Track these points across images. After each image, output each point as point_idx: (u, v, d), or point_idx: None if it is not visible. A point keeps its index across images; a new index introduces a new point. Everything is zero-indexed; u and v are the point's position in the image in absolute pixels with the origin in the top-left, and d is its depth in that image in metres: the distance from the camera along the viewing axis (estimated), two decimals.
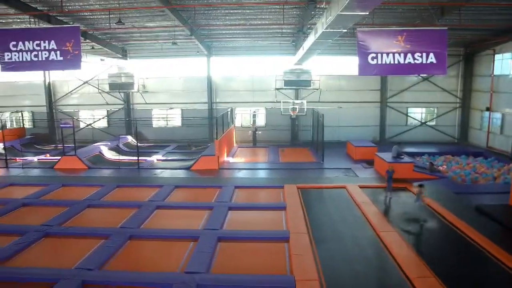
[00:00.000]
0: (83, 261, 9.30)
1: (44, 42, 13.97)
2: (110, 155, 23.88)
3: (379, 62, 13.05)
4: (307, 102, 26.77)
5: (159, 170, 19.81)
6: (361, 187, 15.66)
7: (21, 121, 30.19)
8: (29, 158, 23.62)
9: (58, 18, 19.18)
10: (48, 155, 24.49)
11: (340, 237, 10.93)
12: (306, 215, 12.53)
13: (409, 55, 12.97)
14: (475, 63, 26.26)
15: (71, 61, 14.12)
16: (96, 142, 25.53)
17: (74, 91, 29.70)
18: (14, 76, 28.04)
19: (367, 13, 10.78)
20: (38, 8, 17.76)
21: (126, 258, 9.77)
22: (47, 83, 29.37)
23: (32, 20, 18.36)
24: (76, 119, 28.08)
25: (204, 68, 28.42)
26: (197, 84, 28.75)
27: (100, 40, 24.48)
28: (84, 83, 29.26)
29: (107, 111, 29.79)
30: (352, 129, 27.64)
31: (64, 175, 18.98)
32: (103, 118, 29.92)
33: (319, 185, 16.41)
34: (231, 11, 19.14)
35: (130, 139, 28.01)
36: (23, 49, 14.02)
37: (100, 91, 28.68)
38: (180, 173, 19.17)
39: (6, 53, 14.20)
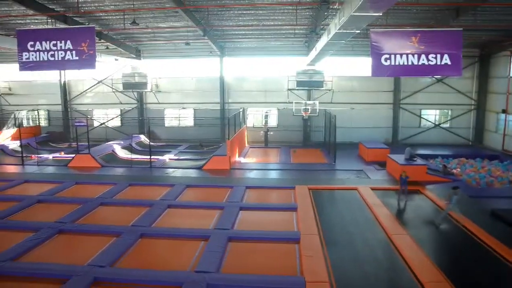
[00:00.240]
0: (95, 258, 9.43)
1: (61, 42, 14.21)
2: (123, 153, 24.14)
3: (393, 63, 12.94)
4: (319, 103, 26.67)
5: (171, 169, 19.94)
6: (372, 189, 15.54)
7: (37, 119, 30.75)
8: (44, 155, 24.01)
9: (74, 18, 19.47)
10: (62, 153, 24.86)
11: (351, 239, 10.87)
12: (317, 216, 12.49)
13: (423, 56, 12.83)
14: (491, 64, 25.82)
15: (86, 60, 14.33)
16: (110, 141, 25.83)
17: (88, 90, 30.14)
18: (31, 75, 28.59)
19: (381, 14, 10.69)
20: (55, 9, 18.05)
21: (137, 256, 9.87)
22: (62, 83, 29.89)
23: (49, 20, 18.67)
24: (90, 118, 28.42)
25: (217, 68, 28.53)
26: (209, 84, 28.90)
27: (115, 40, 24.77)
28: (98, 82, 29.66)
29: (121, 110, 30.13)
30: (364, 130, 27.43)
31: (78, 173, 19.24)
32: (116, 117, 30.27)
33: (331, 186, 16.33)
34: (244, 12, 19.18)
35: (142, 138, 28.27)
36: (40, 49, 14.29)
37: (114, 90, 29.07)
38: (192, 173, 19.27)
39: (24, 53, 14.49)
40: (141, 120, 29.50)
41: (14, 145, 24.99)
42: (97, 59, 15.08)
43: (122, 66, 27.66)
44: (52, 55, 14.47)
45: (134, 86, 26.98)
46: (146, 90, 27.84)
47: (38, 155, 23.33)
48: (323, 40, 16.75)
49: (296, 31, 22.82)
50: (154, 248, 10.49)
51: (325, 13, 17.45)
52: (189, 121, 29.80)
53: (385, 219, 12.11)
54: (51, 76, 29.54)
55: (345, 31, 12.96)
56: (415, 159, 18.00)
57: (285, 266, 9.21)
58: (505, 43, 23.03)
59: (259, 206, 13.83)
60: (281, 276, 8.63)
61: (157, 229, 11.64)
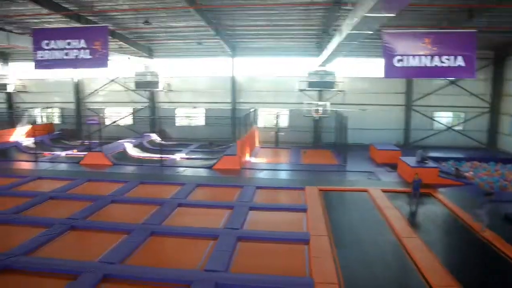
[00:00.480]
0: (105, 254, 9.54)
1: (74, 41, 14.46)
2: (134, 152, 24.34)
3: (405, 64, 12.88)
4: (330, 104, 26.57)
5: (181, 168, 20.04)
6: (383, 191, 15.42)
7: (50, 117, 31.18)
8: (57, 153, 24.35)
9: (88, 17, 19.69)
10: (75, 150, 25.14)
11: (361, 240, 10.81)
12: (327, 217, 12.43)
13: (436, 58, 12.75)
14: (505, 66, 25.40)
15: (99, 59, 14.54)
16: (121, 139, 26.05)
17: (101, 88, 30.46)
18: (45, 73, 29.01)
19: (394, 15, 10.61)
20: (69, 8, 18.28)
21: (147, 254, 9.94)
22: (75, 81, 30.27)
23: (63, 19, 18.90)
24: (102, 116, 28.72)
25: (228, 68, 28.60)
26: (220, 84, 28.98)
27: (127, 39, 24.97)
28: (111, 81, 29.97)
29: (133, 109, 30.39)
30: (375, 132, 27.22)
31: (90, 171, 19.46)
32: (128, 115, 30.53)
33: (341, 187, 16.25)
34: (256, 12, 19.18)
35: (154, 137, 28.49)
36: (55, 47, 14.55)
37: (126, 89, 29.33)
38: (202, 172, 19.35)
39: (39, 52, 14.77)
40: (152, 119, 29.74)
41: (28, 142, 25.37)
42: (109, 58, 15.26)
43: (134, 65, 27.87)
44: (66, 54, 14.73)
45: (146, 85, 27.18)
46: (157, 89, 28.00)
47: (51, 152, 23.65)
48: (335, 40, 16.69)
49: (307, 32, 22.75)
50: (164, 246, 10.57)
51: (337, 14, 17.35)
52: (200, 121, 29.93)
53: (396, 221, 12.01)
54: (64, 74, 29.89)
55: (357, 32, 12.89)
56: (426, 161, 17.81)
57: (294, 266, 9.20)
58: None
59: (269, 206, 13.83)
60: (289, 276, 8.62)
61: (167, 227, 11.70)
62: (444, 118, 27.67)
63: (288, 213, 13.14)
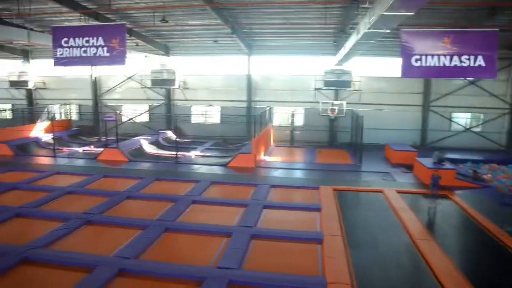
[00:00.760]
0: (121, 249, 9.67)
1: (93, 39, 14.68)
2: (150, 149, 24.59)
3: (423, 64, 12.68)
4: (346, 103, 26.38)
5: (196, 166, 20.18)
6: (398, 192, 15.23)
7: (68, 113, 31.75)
8: (75, 148, 24.79)
9: (106, 15, 19.97)
10: (92, 146, 25.56)
11: (375, 241, 10.71)
12: (341, 217, 12.35)
13: (455, 58, 12.51)
14: None
15: (117, 57, 14.73)
16: (137, 136, 26.35)
17: (118, 86, 30.85)
18: (64, 70, 29.50)
19: (412, 14, 10.46)
20: (87, 6, 18.57)
21: (161, 250, 10.05)
22: (93, 78, 30.73)
23: (82, 17, 19.22)
24: (119, 113, 29.08)
25: (244, 66, 28.64)
26: (236, 82, 29.04)
27: (144, 37, 25.23)
28: (127, 78, 30.32)
29: (149, 106, 30.70)
30: (391, 132, 26.88)
31: (106, 167, 19.73)
32: (144, 112, 30.85)
33: (356, 187, 16.12)
34: (273, 10, 19.15)
35: (169, 134, 28.74)
36: (74, 45, 14.80)
37: (142, 86, 29.65)
38: (217, 170, 19.42)
39: (58, 49, 15.04)
40: (168, 116, 29.99)
41: (47, 137, 25.89)
42: (127, 55, 15.43)
43: (151, 63, 28.14)
44: (85, 51, 14.97)
45: (162, 82, 27.41)
46: (173, 87, 28.20)
47: (69, 148, 24.09)
48: (352, 39, 16.55)
49: (324, 30, 22.59)
50: (178, 243, 10.66)
51: (355, 12, 17.21)
52: (215, 119, 30.06)
53: (411, 223, 11.86)
54: (82, 72, 30.34)
55: (375, 30, 12.74)
56: (443, 163, 17.53)
57: (307, 266, 9.17)
58: None
59: (283, 205, 13.79)
60: (302, 275, 8.60)
61: (181, 224, 11.79)
62: (462, 119, 27.14)
63: (302, 212, 13.09)
